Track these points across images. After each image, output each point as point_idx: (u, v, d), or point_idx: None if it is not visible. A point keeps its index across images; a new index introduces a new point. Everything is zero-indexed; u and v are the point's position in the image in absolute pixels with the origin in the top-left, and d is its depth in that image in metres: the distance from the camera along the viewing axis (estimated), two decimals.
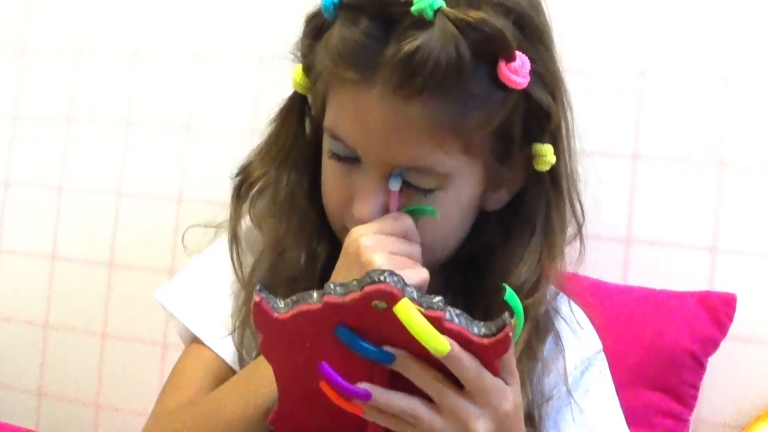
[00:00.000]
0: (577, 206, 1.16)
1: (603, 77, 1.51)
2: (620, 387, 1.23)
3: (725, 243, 1.45)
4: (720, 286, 1.44)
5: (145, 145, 1.78)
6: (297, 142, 1.19)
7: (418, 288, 0.95)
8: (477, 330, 0.88)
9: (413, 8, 1.00)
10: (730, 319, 1.39)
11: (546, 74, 1.09)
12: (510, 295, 0.90)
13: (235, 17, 1.73)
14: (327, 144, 1.12)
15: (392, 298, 0.85)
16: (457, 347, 0.87)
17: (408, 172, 1.06)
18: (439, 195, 1.07)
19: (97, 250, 1.80)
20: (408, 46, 0.99)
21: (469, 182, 1.09)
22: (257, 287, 0.89)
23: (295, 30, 1.12)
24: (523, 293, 1.09)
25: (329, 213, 1.14)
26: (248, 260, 1.19)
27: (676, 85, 1.49)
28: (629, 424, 1.24)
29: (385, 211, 1.07)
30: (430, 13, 0.99)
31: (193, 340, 1.19)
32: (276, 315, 0.88)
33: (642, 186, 1.48)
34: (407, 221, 1.06)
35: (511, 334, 0.88)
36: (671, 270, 1.46)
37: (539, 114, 1.08)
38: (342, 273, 1.04)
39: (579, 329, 1.19)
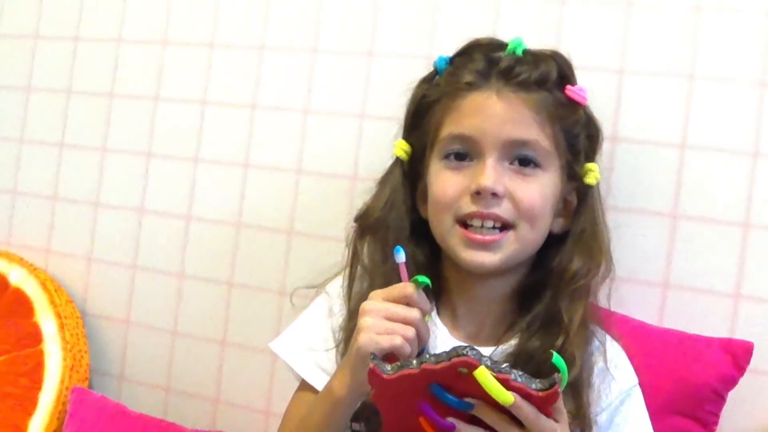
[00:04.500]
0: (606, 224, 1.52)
1: (646, 144, 1.72)
2: (653, 412, 1.50)
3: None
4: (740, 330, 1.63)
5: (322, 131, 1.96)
6: (398, 195, 1.52)
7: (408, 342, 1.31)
8: (534, 386, 1.19)
9: (507, 49, 1.45)
10: (747, 362, 1.58)
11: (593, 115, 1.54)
12: (557, 359, 1.21)
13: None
14: (442, 152, 1.46)
15: (472, 366, 1.15)
16: (519, 398, 1.18)
17: (520, 148, 1.42)
18: (539, 174, 1.42)
19: (220, 270, 2.03)
20: (510, 62, 1.44)
21: (555, 175, 1.45)
22: (371, 356, 1.21)
23: None
24: (581, 275, 1.44)
25: (439, 214, 1.45)
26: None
27: (713, 155, 1.68)
28: None
29: (500, 185, 1.40)
30: (519, 52, 1.44)
31: (301, 382, 1.51)
32: (385, 376, 1.20)
33: (679, 239, 1.68)
34: (409, 289, 1.35)
35: (560, 389, 1.18)
36: (701, 314, 1.66)
37: (594, 132, 1.51)
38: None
39: (620, 365, 1.47)
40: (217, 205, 2.05)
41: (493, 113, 1.42)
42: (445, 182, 1.45)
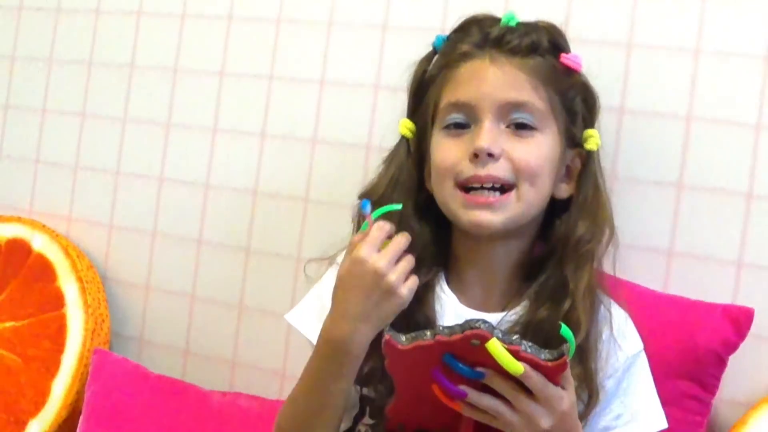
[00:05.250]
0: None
1: (653, 116, 1.76)
2: (657, 375, 1.54)
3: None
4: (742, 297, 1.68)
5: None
6: (404, 172, 1.57)
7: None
8: (543, 356, 1.23)
9: (501, 23, 1.50)
10: (748, 328, 1.62)
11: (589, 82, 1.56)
12: (565, 330, 1.26)
13: None
14: (442, 123, 1.50)
15: (485, 338, 1.20)
16: (528, 368, 1.23)
17: (515, 110, 1.46)
18: (536, 135, 1.46)
19: (238, 236, 2.08)
20: (502, 31, 1.49)
21: (552, 138, 1.49)
22: (386, 328, 1.26)
23: None
24: (586, 240, 1.48)
25: (441, 181, 1.49)
26: None
27: (718, 127, 1.72)
28: (664, 405, 1.53)
29: (497, 146, 1.44)
30: (513, 24, 1.50)
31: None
32: (399, 347, 1.25)
33: (684, 208, 1.73)
34: (386, 225, 1.43)
35: (568, 360, 1.23)
36: (705, 281, 1.71)
37: (591, 98, 1.54)
38: (361, 297, 1.39)
39: (627, 332, 1.52)
40: (235, 173, 2.10)
41: (487, 78, 1.47)
42: (445, 149, 1.49)
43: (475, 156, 1.45)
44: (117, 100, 2.24)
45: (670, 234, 1.74)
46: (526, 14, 1.58)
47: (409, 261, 1.42)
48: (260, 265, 2.07)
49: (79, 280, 2.10)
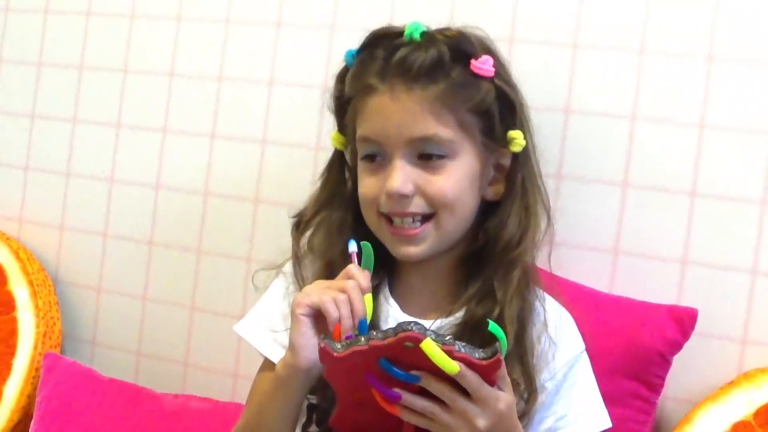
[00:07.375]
0: (542, 186, 1.54)
1: (598, 116, 1.77)
2: (603, 375, 1.55)
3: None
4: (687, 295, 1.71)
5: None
6: (340, 187, 1.57)
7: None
8: (478, 355, 1.24)
9: (404, 35, 1.46)
10: (692, 328, 1.65)
11: (509, 80, 1.52)
12: (493, 326, 1.27)
13: None
14: (360, 153, 1.50)
15: (418, 340, 1.21)
16: (464, 367, 1.23)
17: (422, 145, 1.43)
18: (447, 164, 1.45)
19: (189, 237, 2.09)
20: (403, 53, 1.44)
21: (469, 156, 1.47)
22: (321, 337, 1.26)
23: None
24: (513, 245, 1.48)
25: (366, 210, 1.50)
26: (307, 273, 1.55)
27: (663, 126, 1.74)
28: (608, 405, 1.53)
29: (408, 186, 1.43)
30: (417, 36, 1.45)
31: (264, 360, 1.54)
32: (335, 354, 1.25)
33: (629, 207, 1.75)
34: (351, 267, 1.40)
35: (501, 357, 1.24)
36: (650, 279, 1.73)
37: (509, 99, 1.50)
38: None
39: (566, 333, 1.52)
40: (185, 174, 2.11)
41: (390, 116, 1.45)
42: (365, 183, 1.49)
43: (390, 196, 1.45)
44: (66, 102, 2.24)
45: (616, 233, 1.76)
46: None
47: (337, 294, 1.38)
48: (211, 266, 2.08)
49: (30, 283, 2.10)
